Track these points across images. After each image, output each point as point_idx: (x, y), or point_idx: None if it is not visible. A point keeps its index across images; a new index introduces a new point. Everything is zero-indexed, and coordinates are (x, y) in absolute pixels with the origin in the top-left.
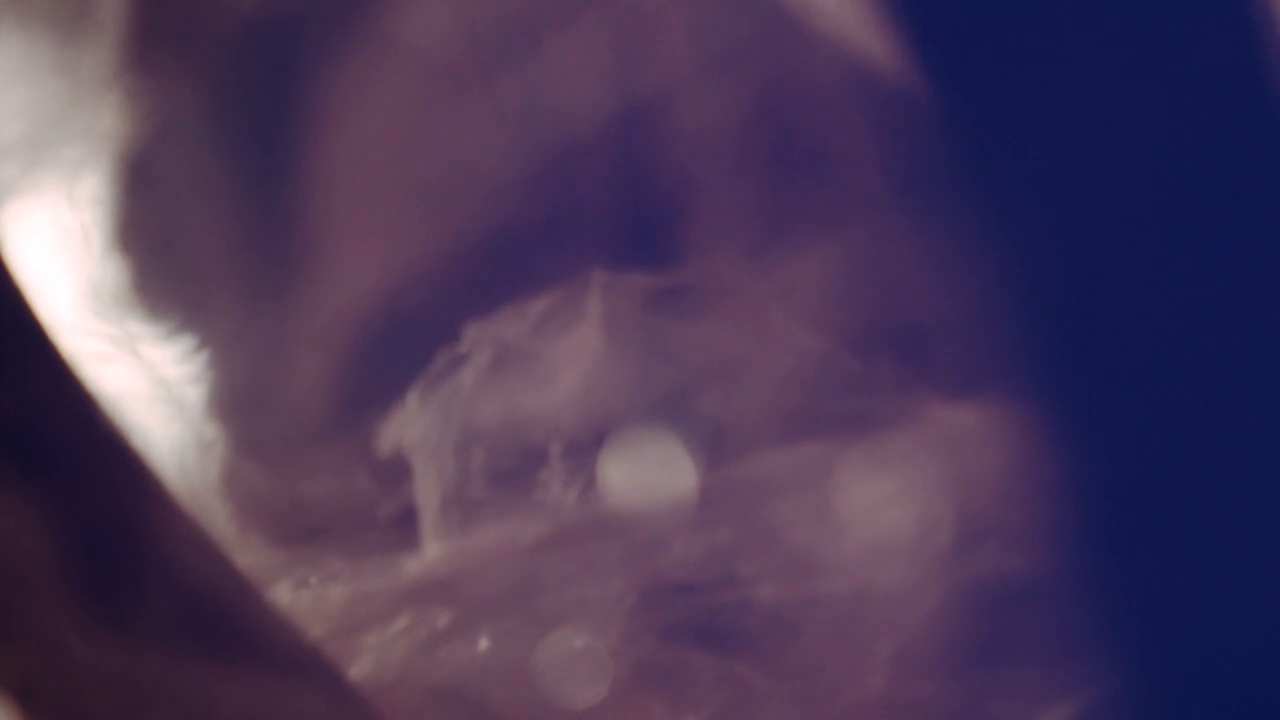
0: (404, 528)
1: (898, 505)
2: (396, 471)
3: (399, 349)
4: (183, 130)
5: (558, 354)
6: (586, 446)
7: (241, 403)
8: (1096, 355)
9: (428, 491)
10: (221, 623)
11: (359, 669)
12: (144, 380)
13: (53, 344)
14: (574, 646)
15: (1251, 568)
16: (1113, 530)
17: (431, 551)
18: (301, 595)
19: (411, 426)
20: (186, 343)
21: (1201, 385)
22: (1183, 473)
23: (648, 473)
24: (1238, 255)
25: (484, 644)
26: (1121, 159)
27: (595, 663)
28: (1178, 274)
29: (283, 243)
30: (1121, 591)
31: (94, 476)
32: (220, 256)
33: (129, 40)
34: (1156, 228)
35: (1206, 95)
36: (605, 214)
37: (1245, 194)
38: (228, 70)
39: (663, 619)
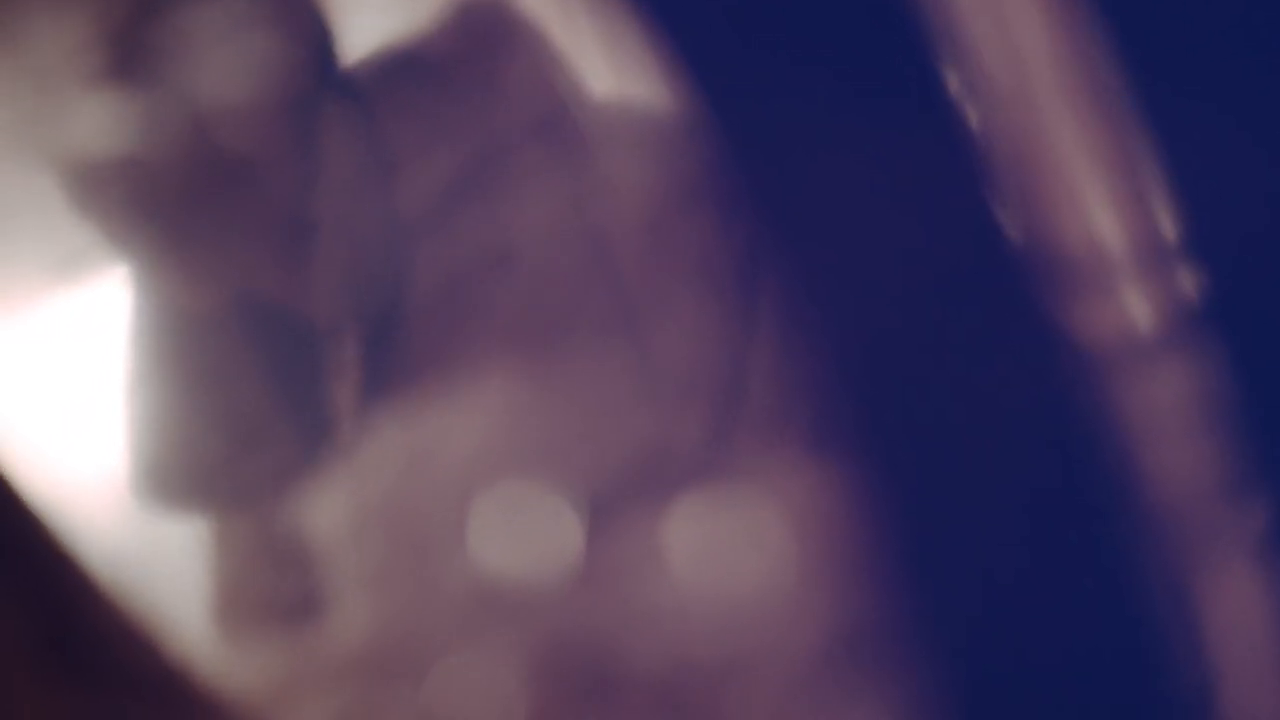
0: (315, 605)
1: (751, 561)
2: (301, 550)
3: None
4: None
5: (440, 433)
6: (472, 519)
7: (167, 492)
8: (918, 404)
9: (334, 568)
10: (157, 707)
11: None
12: (91, 485)
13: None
14: (484, 701)
15: (1084, 604)
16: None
17: (344, 624)
18: (227, 675)
19: (311, 507)
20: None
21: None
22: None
23: (533, 542)
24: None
25: (399, 702)
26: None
27: (504, 716)
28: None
29: None
30: (956, 632)
31: (48, 582)
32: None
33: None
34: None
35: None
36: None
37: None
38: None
39: (557, 677)
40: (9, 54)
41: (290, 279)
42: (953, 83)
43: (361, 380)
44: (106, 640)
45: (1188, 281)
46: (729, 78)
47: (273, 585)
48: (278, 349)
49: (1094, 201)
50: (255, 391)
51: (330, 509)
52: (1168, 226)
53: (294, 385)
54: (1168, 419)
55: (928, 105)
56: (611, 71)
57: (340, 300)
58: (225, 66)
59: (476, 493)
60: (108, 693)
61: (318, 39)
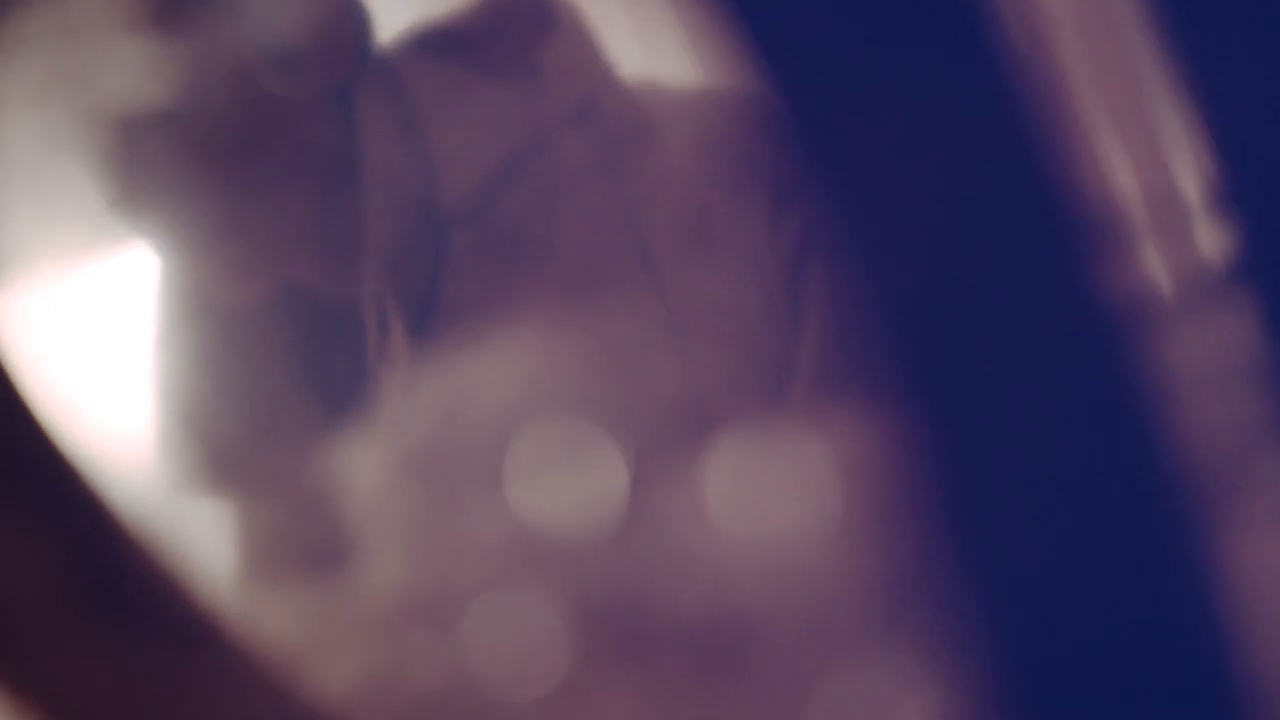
0: (348, 550)
1: (792, 512)
2: (333, 501)
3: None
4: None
5: (478, 382)
6: (509, 469)
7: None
8: (958, 352)
9: (368, 518)
10: (188, 652)
11: (323, 684)
12: (122, 429)
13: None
14: (519, 650)
15: (1117, 561)
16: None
17: (376, 571)
18: (259, 620)
19: (346, 454)
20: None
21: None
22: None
23: (573, 490)
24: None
25: (434, 650)
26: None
27: (539, 664)
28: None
29: None
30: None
31: (85, 531)
32: None
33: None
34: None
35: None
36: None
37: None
38: None
39: (594, 625)
40: (47, 6)
41: (329, 260)
42: (995, 37)
43: (401, 358)
44: (140, 587)
45: (1224, 237)
46: (770, 50)
47: (304, 535)
48: (316, 331)
49: (1132, 156)
50: (292, 373)
51: (366, 459)
52: (1205, 181)
53: (331, 366)
54: (1205, 374)
55: (967, 60)
56: (648, 51)
57: (380, 282)
58: (265, 17)
59: (513, 443)
60: (141, 637)
61: (355, 15)
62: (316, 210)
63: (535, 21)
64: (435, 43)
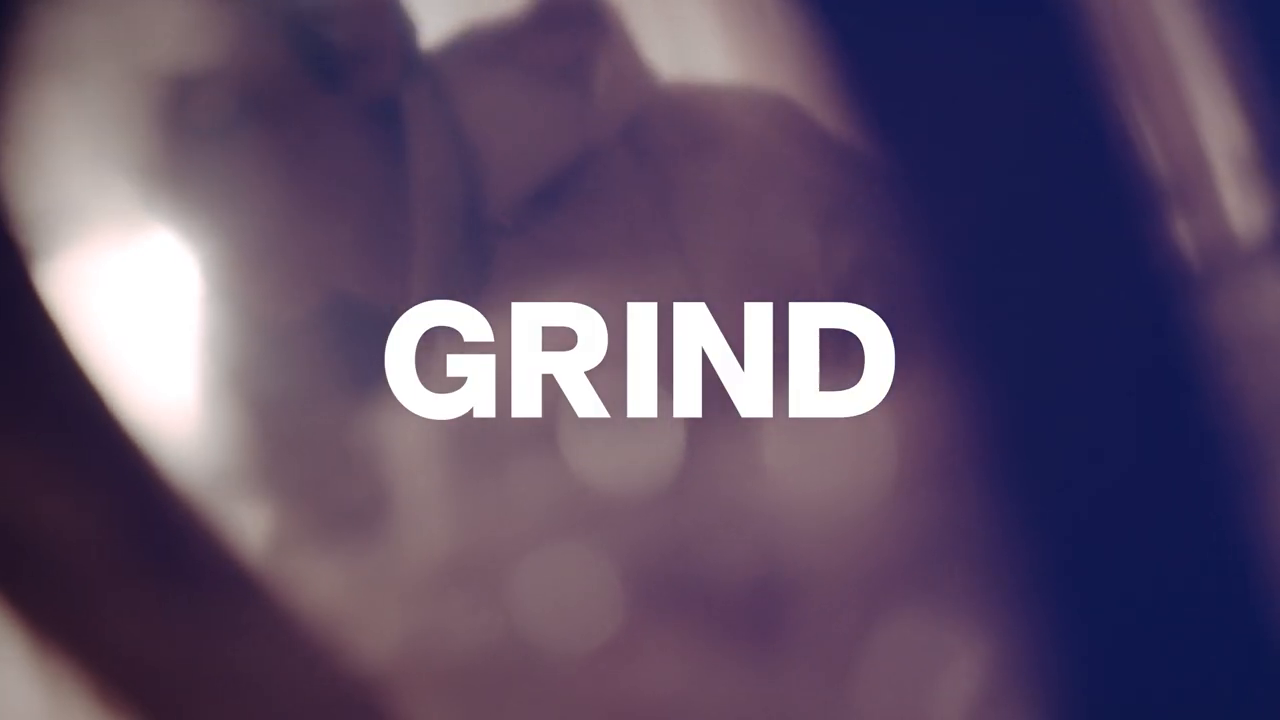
0: (386, 513)
1: (845, 471)
2: (372, 460)
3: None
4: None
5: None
6: (553, 427)
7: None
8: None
9: (412, 474)
10: (232, 614)
11: (367, 646)
12: (172, 403)
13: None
14: (565, 608)
15: (1161, 523)
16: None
17: (421, 531)
18: (303, 582)
19: (389, 412)
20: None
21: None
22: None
23: (618, 451)
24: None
25: (477, 617)
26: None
27: (586, 623)
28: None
29: None
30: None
31: (135, 490)
32: None
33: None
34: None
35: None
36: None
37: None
38: None
39: (641, 584)
40: None
41: (375, 269)
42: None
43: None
44: (185, 549)
45: (1260, 205)
46: (824, 69)
47: (348, 496)
48: (360, 340)
49: (1165, 125)
50: (334, 380)
51: (410, 417)
52: (1240, 149)
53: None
54: (1241, 342)
55: (1004, 45)
56: (699, 67)
57: (426, 292)
58: (307, 24)
59: (559, 403)
60: (186, 598)
61: (400, 21)
62: (362, 219)
63: (585, 33)
64: (483, 52)
